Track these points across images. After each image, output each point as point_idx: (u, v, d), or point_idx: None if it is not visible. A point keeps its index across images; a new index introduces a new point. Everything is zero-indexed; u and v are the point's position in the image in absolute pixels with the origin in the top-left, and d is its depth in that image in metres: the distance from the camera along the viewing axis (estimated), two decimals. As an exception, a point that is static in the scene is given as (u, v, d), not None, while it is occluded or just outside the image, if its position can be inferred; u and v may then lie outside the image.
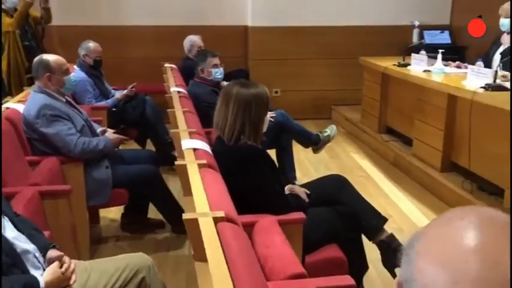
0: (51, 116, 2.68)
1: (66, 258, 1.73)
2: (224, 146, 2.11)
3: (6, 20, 4.76)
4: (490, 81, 3.30)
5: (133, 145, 4.30)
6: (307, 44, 6.27)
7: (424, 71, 4.19)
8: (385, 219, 2.36)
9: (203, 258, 1.40)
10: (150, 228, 3.34)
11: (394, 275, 2.40)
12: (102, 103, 4.27)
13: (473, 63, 3.83)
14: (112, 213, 3.53)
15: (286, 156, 3.69)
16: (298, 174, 3.96)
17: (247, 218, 1.88)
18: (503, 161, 3.18)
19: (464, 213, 0.56)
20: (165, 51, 6.04)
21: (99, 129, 3.07)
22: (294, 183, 2.73)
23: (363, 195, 2.53)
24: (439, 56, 4.13)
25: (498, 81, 3.30)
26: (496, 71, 3.30)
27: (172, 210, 3.21)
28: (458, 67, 4.28)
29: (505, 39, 3.93)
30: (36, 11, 4.67)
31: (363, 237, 2.40)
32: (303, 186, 2.42)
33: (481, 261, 0.48)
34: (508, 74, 3.53)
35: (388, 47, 6.01)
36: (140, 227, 3.31)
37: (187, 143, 2.13)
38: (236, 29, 6.45)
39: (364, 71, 5.47)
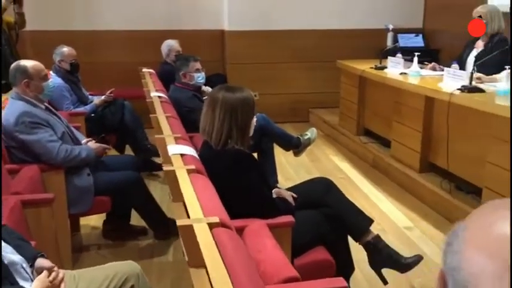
0: (30, 123, 2.63)
1: (55, 267, 1.70)
2: (211, 151, 2.10)
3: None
4: (466, 83, 3.38)
5: (113, 151, 4.24)
6: (284, 48, 6.31)
7: (401, 73, 4.26)
8: (371, 221, 2.39)
9: (199, 264, 1.39)
10: (133, 235, 3.30)
11: (381, 276, 2.43)
12: (81, 109, 4.20)
13: (448, 66, 3.92)
14: (92, 221, 3.48)
15: (268, 160, 3.69)
16: (279, 177, 3.97)
17: (237, 222, 1.88)
18: (480, 161, 3.26)
19: (507, 203, 0.56)
20: (141, 56, 6.00)
21: (83, 141, 3.01)
22: (276, 187, 2.74)
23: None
24: (415, 58, 4.21)
25: (473, 83, 3.39)
26: (472, 73, 3.38)
27: (156, 216, 3.19)
28: (433, 68, 4.37)
29: (479, 43, 4.04)
30: (10, 16, 4.57)
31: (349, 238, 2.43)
32: (289, 189, 2.43)
33: None
34: (482, 75, 3.63)
35: (363, 50, 6.11)
36: (123, 234, 3.27)
37: (174, 149, 2.12)
38: (213, 33, 6.44)
39: (341, 74, 5.54)
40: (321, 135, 5.63)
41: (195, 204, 1.53)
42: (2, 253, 1.58)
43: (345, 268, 2.29)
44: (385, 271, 2.47)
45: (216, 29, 6.46)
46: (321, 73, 6.31)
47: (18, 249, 1.67)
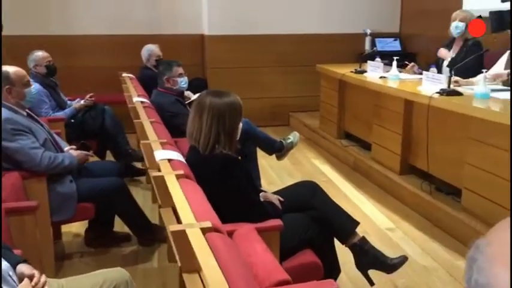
0: (12, 130, 2.58)
1: (35, 272, 1.68)
2: (199, 156, 2.10)
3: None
4: (444, 86, 3.46)
5: (94, 157, 4.19)
6: (264, 52, 6.35)
7: (380, 77, 4.34)
8: (356, 223, 2.43)
9: (192, 269, 1.39)
10: (116, 242, 3.26)
11: (367, 277, 2.46)
12: (60, 113, 4.14)
13: (427, 69, 4.01)
14: (74, 228, 3.43)
15: (251, 164, 3.71)
16: (262, 181, 3.99)
17: (226, 227, 1.88)
18: (459, 162, 3.33)
19: None
20: (120, 60, 5.95)
21: (65, 148, 2.97)
22: (262, 191, 2.76)
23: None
24: (394, 62, 4.29)
25: (451, 86, 3.46)
26: (450, 77, 3.46)
27: (140, 222, 3.16)
28: (413, 68, 4.46)
29: (455, 48, 4.16)
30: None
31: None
32: (275, 193, 2.44)
33: None
34: (459, 79, 3.72)
35: (342, 54, 6.20)
36: (106, 241, 3.23)
37: (161, 154, 2.11)
38: (192, 37, 6.44)
39: (321, 78, 5.59)
40: (302, 138, 5.66)
41: (186, 209, 1.53)
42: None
43: (332, 270, 2.31)
44: (370, 272, 2.51)
45: (196, 34, 6.46)
46: (301, 77, 6.36)
47: (4, 257, 1.64)
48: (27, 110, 2.82)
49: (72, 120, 4.19)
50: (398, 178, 4.03)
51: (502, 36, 3.79)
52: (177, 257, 1.48)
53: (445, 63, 4.27)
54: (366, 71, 4.67)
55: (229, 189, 2.06)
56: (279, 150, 3.85)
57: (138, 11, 6.20)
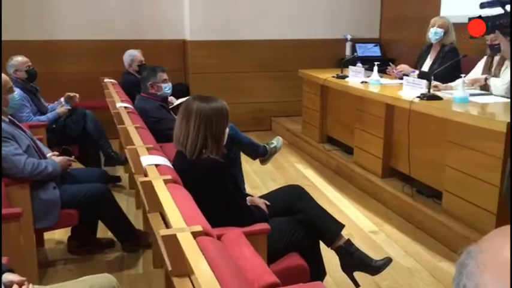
0: (-6, 136, 2.55)
1: (16, 279, 1.66)
2: (186, 161, 2.11)
3: None
4: (424, 91, 3.53)
5: (77, 162, 4.16)
6: (245, 58, 6.38)
7: (362, 82, 4.40)
8: (342, 226, 2.46)
9: (183, 274, 1.40)
10: (100, 248, 3.24)
11: (353, 279, 2.49)
12: (42, 117, 4.11)
13: (407, 75, 4.09)
14: (57, 236, 3.39)
15: (235, 169, 3.72)
16: (245, 186, 4.00)
17: (214, 231, 1.89)
18: (440, 165, 3.40)
19: None
20: (101, 66, 5.92)
21: (48, 154, 2.94)
22: (248, 195, 2.77)
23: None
24: (375, 68, 4.36)
25: (431, 91, 3.54)
26: (430, 82, 3.53)
27: (125, 228, 3.15)
28: (392, 71, 4.54)
29: (432, 53, 4.27)
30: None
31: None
32: (261, 197, 2.46)
33: None
34: (439, 84, 3.80)
35: (323, 59, 6.28)
36: (89, 248, 3.20)
37: (148, 159, 2.11)
38: (174, 43, 6.44)
39: (303, 83, 5.64)
40: (285, 143, 5.69)
41: (176, 213, 1.54)
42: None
43: (318, 273, 2.34)
44: (355, 274, 2.54)
45: (178, 39, 6.46)
46: (283, 82, 6.42)
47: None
48: (9, 117, 2.79)
49: (54, 126, 4.15)
50: (380, 181, 4.09)
51: (480, 42, 3.89)
52: (167, 262, 1.48)
53: (424, 68, 4.37)
54: (347, 76, 4.73)
55: (217, 194, 2.07)
56: (262, 154, 3.87)
57: (120, 16, 6.17)
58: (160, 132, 3.34)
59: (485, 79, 3.69)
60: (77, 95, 4.35)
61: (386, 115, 4.01)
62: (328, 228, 2.40)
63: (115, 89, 4.35)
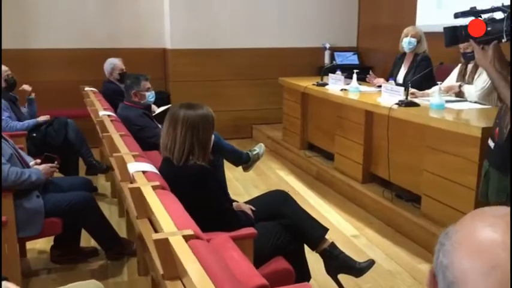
0: (-23, 145, 2.53)
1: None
2: (173, 167, 2.14)
3: None
4: (402, 98, 3.63)
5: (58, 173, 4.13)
6: (225, 66, 6.43)
7: (342, 89, 4.49)
8: (326, 229, 2.52)
9: (175, 277, 1.43)
10: (83, 257, 3.22)
11: (337, 281, 2.54)
12: (24, 123, 4.09)
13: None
14: (39, 245, 3.37)
15: (219, 176, 3.74)
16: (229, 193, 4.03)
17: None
18: (418, 170, 3.50)
19: (494, 211, 0.64)
20: (81, 74, 5.90)
21: (31, 163, 2.93)
22: (233, 201, 2.81)
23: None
24: (354, 75, 4.46)
25: (409, 97, 3.64)
26: (408, 89, 3.63)
27: (109, 236, 3.14)
28: (371, 78, 4.64)
29: (406, 62, 4.40)
30: None
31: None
32: (247, 202, 2.51)
33: None
34: (416, 91, 3.91)
35: (302, 67, 6.38)
36: (73, 257, 3.18)
37: (135, 166, 2.13)
38: (154, 51, 6.46)
39: (283, 91, 5.72)
40: (266, 150, 5.73)
41: (167, 218, 1.57)
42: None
43: (303, 276, 2.38)
44: (339, 277, 2.59)
45: (158, 47, 6.48)
46: (262, 90, 6.49)
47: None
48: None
49: (34, 134, 4.12)
50: (360, 186, 4.17)
51: (454, 50, 4.01)
52: (158, 266, 1.51)
53: (399, 76, 4.49)
54: (327, 84, 4.82)
55: (204, 199, 2.10)
56: (245, 161, 3.91)
57: (100, 25, 6.16)
58: (143, 140, 3.35)
59: (459, 86, 3.82)
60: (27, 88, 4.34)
61: (366, 122, 4.10)
62: (313, 232, 2.45)
63: (97, 98, 4.34)
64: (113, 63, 5.07)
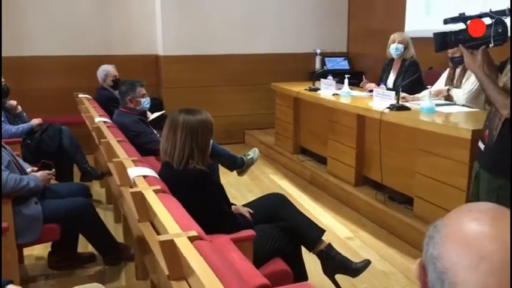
0: (-24, 153, 2.56)
1: None
2: (173, 171, 2.19)
3: None
4: (393, 102, 3.71)
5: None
6: (218, 72, 6.48)
7: (333, 94, 4.56)
8: (323, 231, 2.57)
9: (180, 277, 1.47)
10: (80, 262, 3.24)
11: (334, 282, 2.59)
12: (18, 127, 4.10)
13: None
14: (36, 251, 3.38)
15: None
16: (224, 197, 4.07)
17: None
18: (410, 172, 3.57)
19: (477, 206, 0.69)
20: (74, 81, 5.91)
21: (28, 169, 2.95)
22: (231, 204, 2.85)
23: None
24: (346, 80, 4.53)
25: (400, 101, 3.72)
26: (399, 93, 3.71)
27: (107, 242, 3.17)
28: (365, 85, 4.72)
29: (395, 67, 4.49)
30: None
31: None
32: (245, 205, 2.55)
33: (500, 244, 0.62)
34: (406, 95, 3.99)
35: (293, 73, 6.45)
36: (70, 263, 3.20)
37: (135, 171, 2.17)
38: (147, 58, 6.50)
39: (276, 96, 5.78)
40: (260, 155, 5.80)
41: (171, 220, 1.61)
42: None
43: (301, 277, 2.43)
44: (339, 277, 2.65)
45: (150, 54, 6.52)
46: (255, 95, 6.55)
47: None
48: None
49: (29, 141, 4.14)
50: (353, 190, 4.23)
51: (443, 55, 4.10)
52: (163, 267, 1.55)
53: (389, 81, 4.58)
54: (319, 89, 4.89)
55: (203, 202, 2.15)
56: (240, 166, 3.96)
57: (92, 32, 6.19)
58: (140, 146, 3.38)
59: (448, 90, 3.91)
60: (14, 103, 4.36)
61: (358, 125, 4.17)
62: (310, 233, 2.50)
63: (91, 104, 4.36)
64: (106, 69, 5.10)
